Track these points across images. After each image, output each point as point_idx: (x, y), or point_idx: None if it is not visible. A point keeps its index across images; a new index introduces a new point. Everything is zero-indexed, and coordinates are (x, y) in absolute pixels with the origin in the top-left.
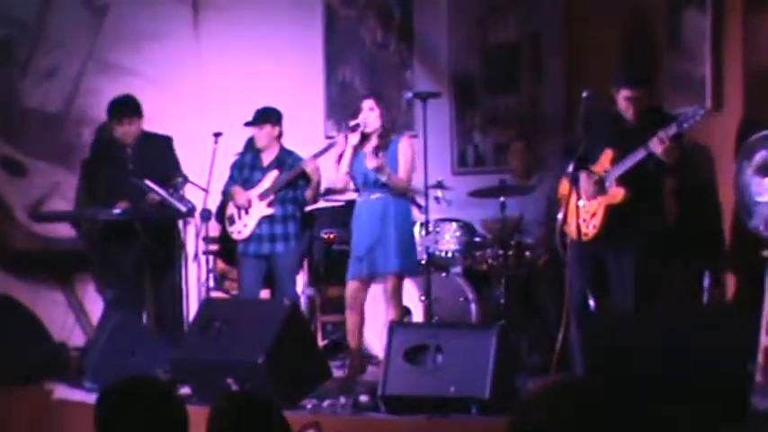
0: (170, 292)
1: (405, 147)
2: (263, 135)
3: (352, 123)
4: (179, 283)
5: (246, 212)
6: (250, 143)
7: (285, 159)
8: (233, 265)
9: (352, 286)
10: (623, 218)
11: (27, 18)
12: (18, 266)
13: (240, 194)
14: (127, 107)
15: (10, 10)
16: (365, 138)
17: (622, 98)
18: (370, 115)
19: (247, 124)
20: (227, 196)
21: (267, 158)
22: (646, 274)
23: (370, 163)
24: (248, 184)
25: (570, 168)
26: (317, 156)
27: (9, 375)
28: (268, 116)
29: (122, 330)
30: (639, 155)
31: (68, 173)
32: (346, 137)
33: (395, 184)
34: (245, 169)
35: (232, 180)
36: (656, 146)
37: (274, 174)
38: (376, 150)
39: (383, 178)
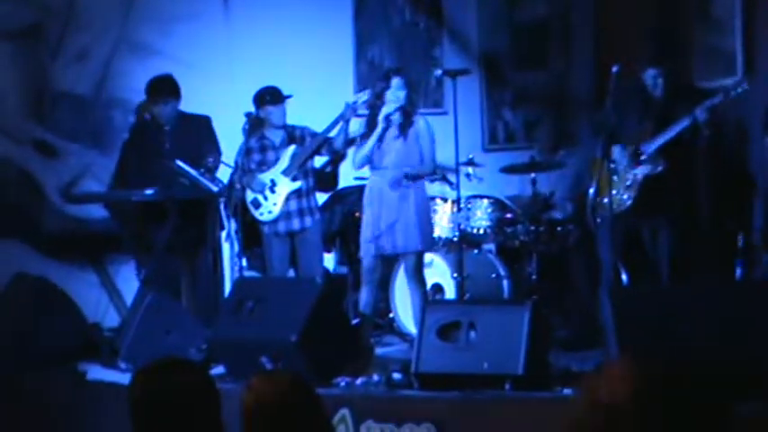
0: (205, 272)
1: (426, 129)
2: (282, 112)
3: (388, 110)
4: (213, 263)
5: (272, 191)
6: (252, 127)
7: (294, 133)
8: (255, 247)
9: (367, 263)
10: (658, 190)
11: (57, 1)
12: (51, 248)
13: (255, 179)
14: (164, 86)
15: None
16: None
17: (649, 76)
18: (400, 95)
19: (271, 102)
20: (232, 186)
21: (275, 137)
22: (681, 247)
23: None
24: (264, 166)
25: (602, 143)
26: (331, 128)
27: (43, 356)
28: (283, 94)
29: (155, 310)
30: (683, 124)
31: (100, 154)
32: (388, 119)
33: (424, 175)
34: (255, 153)
35: (240, 169)
36: (702, 114)
37: (292, 149)
38: (401, 128)
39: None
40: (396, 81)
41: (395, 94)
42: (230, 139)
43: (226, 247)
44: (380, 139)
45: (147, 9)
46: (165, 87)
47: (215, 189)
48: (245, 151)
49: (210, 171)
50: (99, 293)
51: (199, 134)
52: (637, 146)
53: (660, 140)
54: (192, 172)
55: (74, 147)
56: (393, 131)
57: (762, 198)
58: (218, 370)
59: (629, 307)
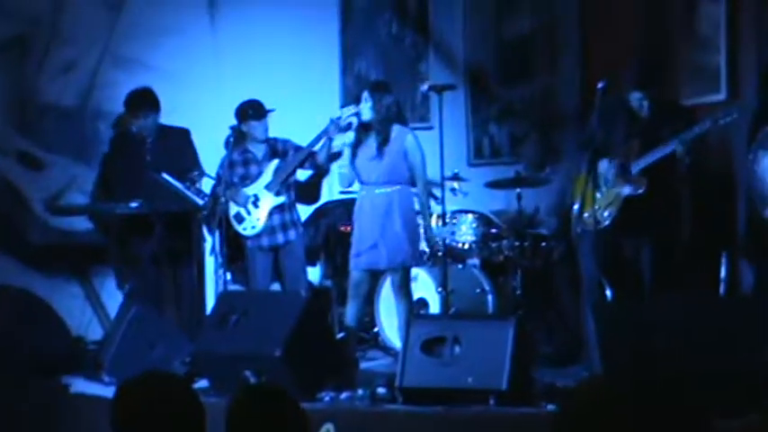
0: (189, 285)
1: (415, 145)
2: (265, 127)
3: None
4: (197, 276)
5: (256, 206)
6: (235, 141)
7: (276, 147)
8: (239, 260)
9: (355, 277)
10: (640, 209)
11: (42, 13)
12: (36, 260)
13: (240, 193)
14: (144, 100)
15: (26, 5)
16: (366, 130)
17: (635, 99)
18: (365, 108)
19: (254, 117)
20: (216, 199)
21: (258, 150)
22: (664, 265)
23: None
24: (248, 180)
25: (587, 159)
26: (314, 143)
27: (27, 369)
28: (265, 108)
29: (139, 323)
30: (666, 149)
31: (85, 167)
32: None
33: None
34: (238, 167)
35: (224, 182)
36: (680, 147)
37: (275, 163)
38: (380, 146)
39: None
40: (364, 95)
41: (363, 109)
42: (217, 152)
43: (210, 260)
44: (354, 154)
45: (133, 22)
46: (144, 101)
47: (200, 202)
48: (229, 164)
49: (194, 183)
50: (83, 306)
51: (178, 147)
52: (622, 164)
53: (642, 163)
54: (178, 185)
55: (59, 159)
56: (372, 146)
57: (745, 214)
58: (201, 384)
59: (612, 322)
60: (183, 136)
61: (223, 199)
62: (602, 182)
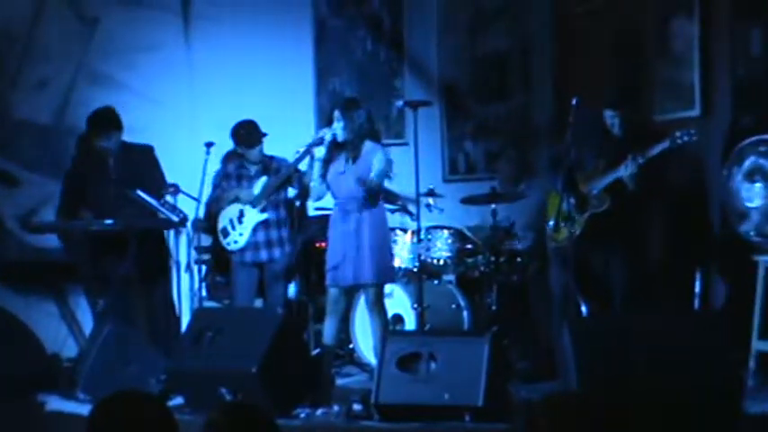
0: (162, 302)
1: (381, 159)
2: (259, 151)
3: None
4: (171, 293)
5: (240, 221)
6: (229, 155)
7: (269, 164)
8: (226, 274)
9: (332, 294)
10: (606, 225)
11: (17, 30)
12: (10, 277)
13: (242, 192)
14: (106, 120)
15: None
16: (339, 147)
17: (608, 116)
18: (336, 127)
19: (247, 143)
20: (211, 207)
21: (252, 167)
22: (634, 282)
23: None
24: None
25: (561, 177)
26: (300, 159)
27: (1, 387)
28: (260, 133)
29: (114, 341)
30: (621, 171)
31: (60, 184)
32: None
33: (373, 191)
34: (232, 180)
35: (219, 190)
36: (629, 169)
37: (263, 180)
38: (348, 161)
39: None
40: (335, 114)
41: (336, 130)
42: (191, 168)
43: (185, 277)
44: (326, 168)
45: (108, 39)
46: (107, 120)
47: (175, 219)
48: (224, 176)
49: (165, 199)
50: (58, 324)
51: (143, 164)
52: (586, 183)
53: (603, 183)
54: (152, 201)
55: (33, 176)
56: (341, 161)
57: (719, 229)
58: (177, 401)
59: (588, 337)
60: (146, 153)
61: (213, 210)
62: (570, 200)
